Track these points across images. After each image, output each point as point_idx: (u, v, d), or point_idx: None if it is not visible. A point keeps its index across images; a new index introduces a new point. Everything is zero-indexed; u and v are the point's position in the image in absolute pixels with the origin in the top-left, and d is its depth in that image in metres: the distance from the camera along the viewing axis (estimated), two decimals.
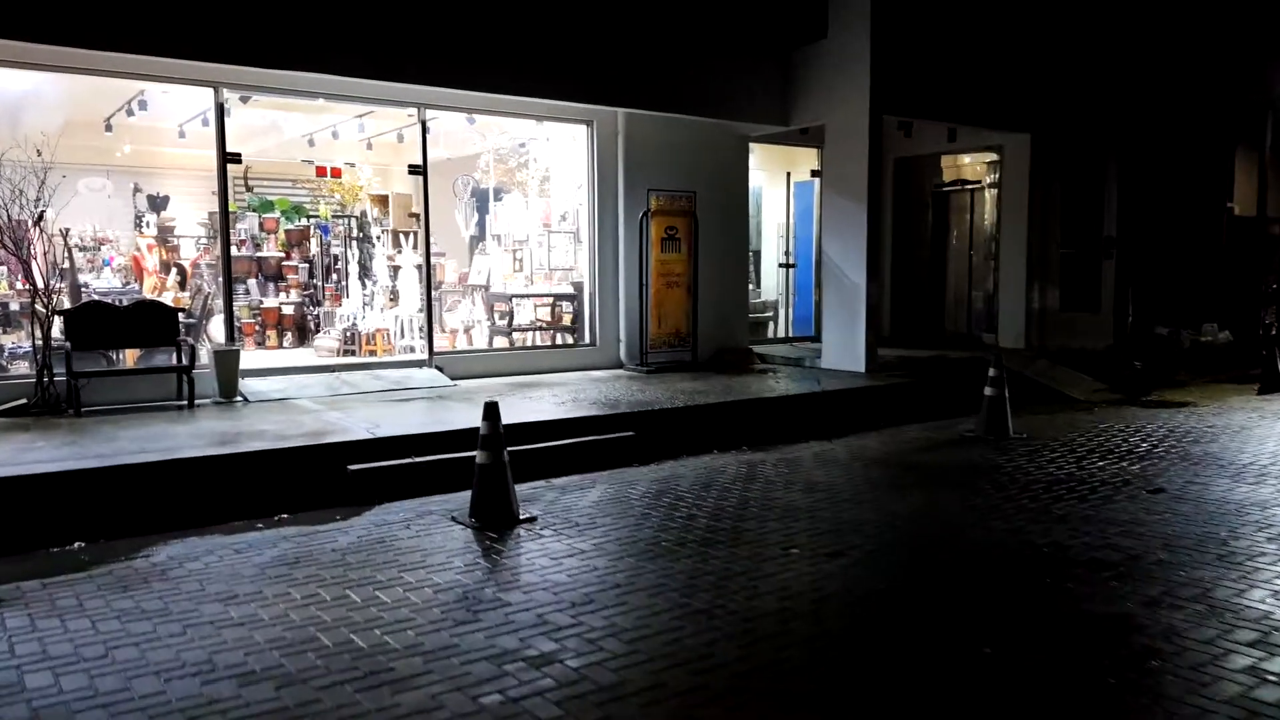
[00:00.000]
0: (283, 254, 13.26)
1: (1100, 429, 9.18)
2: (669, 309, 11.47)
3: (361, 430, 7.22)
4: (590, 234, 11.49)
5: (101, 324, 8.57)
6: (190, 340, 9.03)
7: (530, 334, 11.95)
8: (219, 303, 10.45)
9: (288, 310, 12.66)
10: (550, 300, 12.08)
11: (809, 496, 6.54)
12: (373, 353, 11.35)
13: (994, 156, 13.41)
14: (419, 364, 10.35)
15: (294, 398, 8.93)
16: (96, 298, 9.45)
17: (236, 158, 9.32)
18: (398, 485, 6.67)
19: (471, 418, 7.77)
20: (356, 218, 13.73)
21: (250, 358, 10.08)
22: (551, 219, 12.52)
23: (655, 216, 11.26)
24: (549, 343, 11.91)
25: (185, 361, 8.62)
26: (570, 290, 12.05)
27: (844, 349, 11.15)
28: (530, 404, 8.72)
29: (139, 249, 10.95)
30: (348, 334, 11.56)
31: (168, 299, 10.12)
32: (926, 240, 14.10)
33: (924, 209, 14.08)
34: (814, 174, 13.69)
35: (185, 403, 8.51)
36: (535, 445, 7.36)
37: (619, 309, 11.59)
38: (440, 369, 10.26)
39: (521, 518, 5.87)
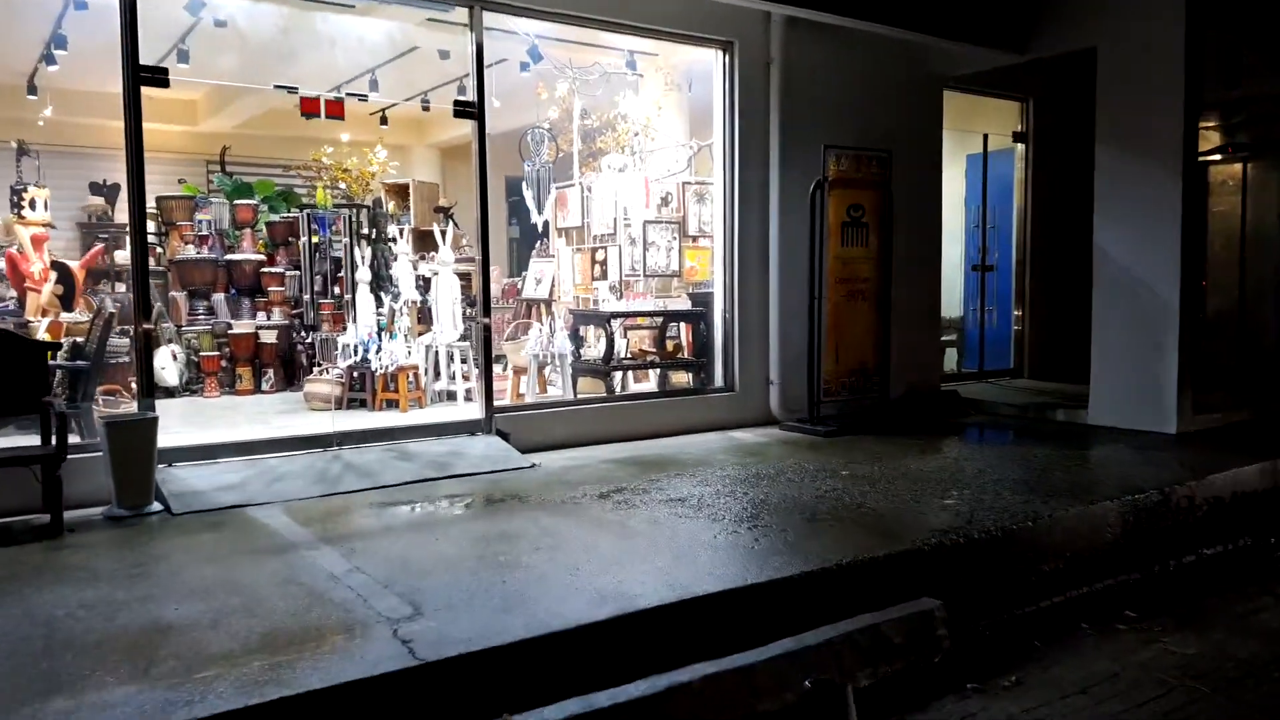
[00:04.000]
0: (263, 258, 9.31)
1: None
2: (849, 332, 7.40)
3: (381, 627, 3.16)
4: (725, 216, 7.43)
5: None
6: (63, 403, 4.98)
7: (622, 374, 7.88)
8: (165, 327, 6.53)
9: (267, 338, 8.67)
10: (655, 323, 8.05)
11: None
12: (392, 403, 7.35)
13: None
14: (470, 428, 6.29)
15: (256, 503, 4.92)
16: None
17: (160, 77, 5.32)
18: None
19: (606, 565, 3.64)
20: (368, 207, 9.86)
21: (188, 427, 6.11)
22: (650, 202, 8.48)
23: (834, 189, 7.21)
24: (659, 388, 7.84)
25: (52, 444, 4.60)
26: (687, 306, 8.00)
27: (1137, 398, 7.03)
28: (683, 521, 4.63)
29: (20, 245, 6.91)
30: (354, 373, 7.55)
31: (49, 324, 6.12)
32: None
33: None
34: (1016, 138, 9.63)
35: (49, 520, 4.51)
36: (758, 653, 3.31)
37: (769, 333, 7.53)
38: (504, 435, 6.24)
39: None
